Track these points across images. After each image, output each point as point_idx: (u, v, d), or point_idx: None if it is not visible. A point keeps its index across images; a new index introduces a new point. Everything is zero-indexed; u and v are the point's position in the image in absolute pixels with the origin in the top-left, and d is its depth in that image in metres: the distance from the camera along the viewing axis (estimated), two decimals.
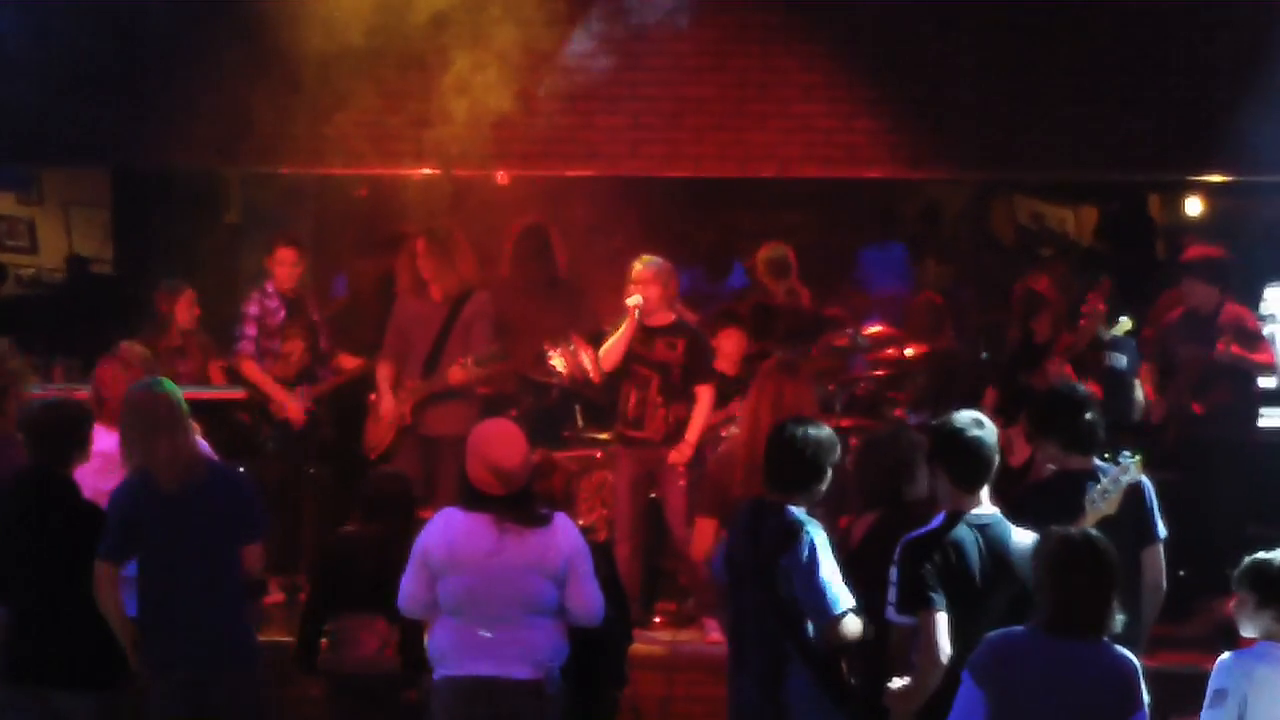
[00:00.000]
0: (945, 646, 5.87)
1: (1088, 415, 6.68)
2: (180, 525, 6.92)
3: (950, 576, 5.90)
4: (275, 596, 9.90)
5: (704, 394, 9.39)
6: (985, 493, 6.09)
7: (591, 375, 9.76)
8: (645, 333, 9.39)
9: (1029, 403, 7.16)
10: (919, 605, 5.93)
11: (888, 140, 10.11)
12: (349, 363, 10.39)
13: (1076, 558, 5.37)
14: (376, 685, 7.29)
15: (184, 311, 10.23)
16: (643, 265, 9.43)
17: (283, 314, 10.19)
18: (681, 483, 9.27)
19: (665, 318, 9.44)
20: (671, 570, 9.70)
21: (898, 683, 6.00)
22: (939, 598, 5.89)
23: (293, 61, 9.65)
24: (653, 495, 9.52)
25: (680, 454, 9.31)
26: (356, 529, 7.57)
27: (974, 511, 6.04)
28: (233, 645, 7.04)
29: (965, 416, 6.16)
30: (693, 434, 9.33)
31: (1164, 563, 6.74)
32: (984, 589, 5.93)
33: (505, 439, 6.59)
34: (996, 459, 6.11)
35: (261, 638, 7.63)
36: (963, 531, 5.98)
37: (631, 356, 9.40)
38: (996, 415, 9.71)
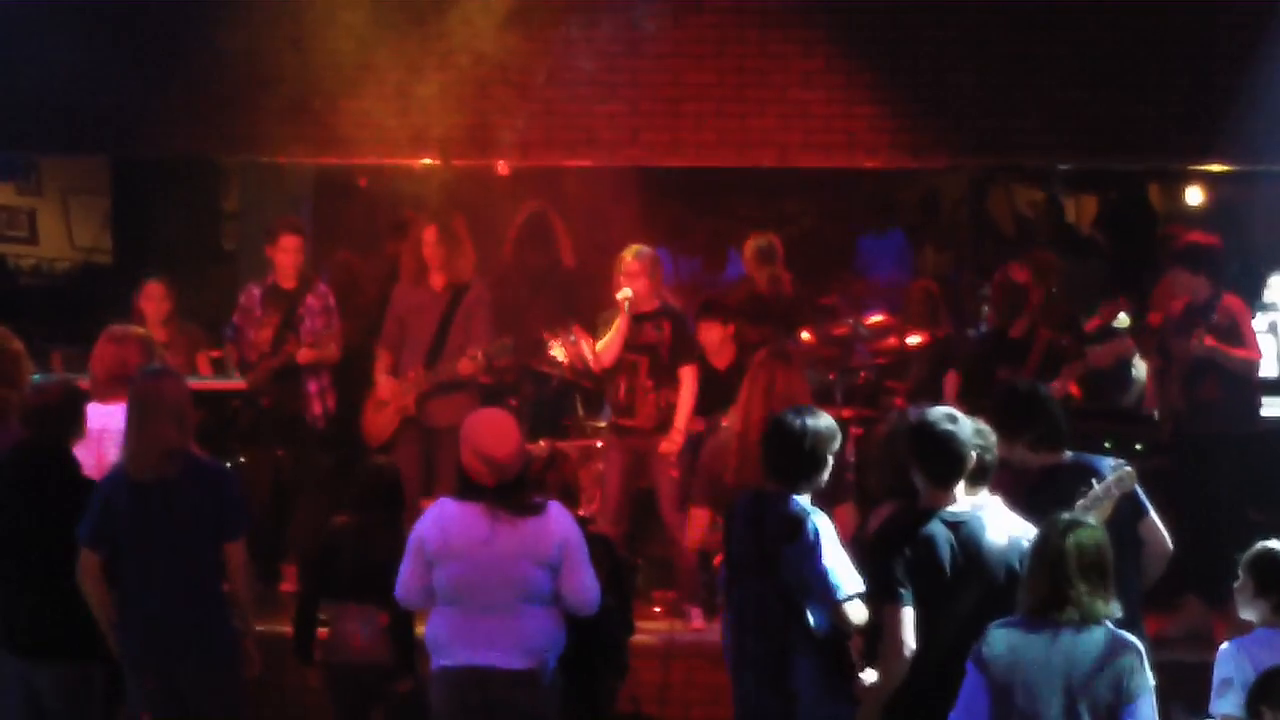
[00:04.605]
0: (910, 641, 5.88)
1: (1049, 410, 6.65)
2: (154, 518, 6.86)
3: (919, 572, 5.87)
4: (288, 585, 9.85)
5: (687, 375, 9.43)
6: (961, 488, 6.02)
7: (591, 365, 9.76)
8: (633, 320, 9.43)
9: (991, 406, 7.01)
10: (885, 599, 5.93)
11: (887, 127, 10.06)
12: (305, 356, 9.77)
13: (1063, 543, 5.37)
14: (368, 676, 7.30)
15: (150, 305, 10.02)
16: (632, 257, 9.46)
17: (262, 304, 9.91)
18: (673, 472, 9.30)
19: (651, 304, 9.49)
20: (667, 558, 9.69)
21: (869, 674, 6.03)
22: (906, 593, 5.88)
23: (292, 51, 9.64)
24: (643, 485, 9.53)
25: (671, 443, 9.33)
26: (344, 520, 7.59)
27: (948, 508, 6.00)
28: (206, 642, 6.93)
29: (938, 412, 6.11)
30: (680, 420, 9.36)
31: (1163, 527, 6.67)
32: (954, 586, 5.89)
33: (497, 429, 6.57)
34: (972, 455, 6.03)
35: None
36: (935, 527, 5.93)
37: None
38: (959, 403, 9.71)
